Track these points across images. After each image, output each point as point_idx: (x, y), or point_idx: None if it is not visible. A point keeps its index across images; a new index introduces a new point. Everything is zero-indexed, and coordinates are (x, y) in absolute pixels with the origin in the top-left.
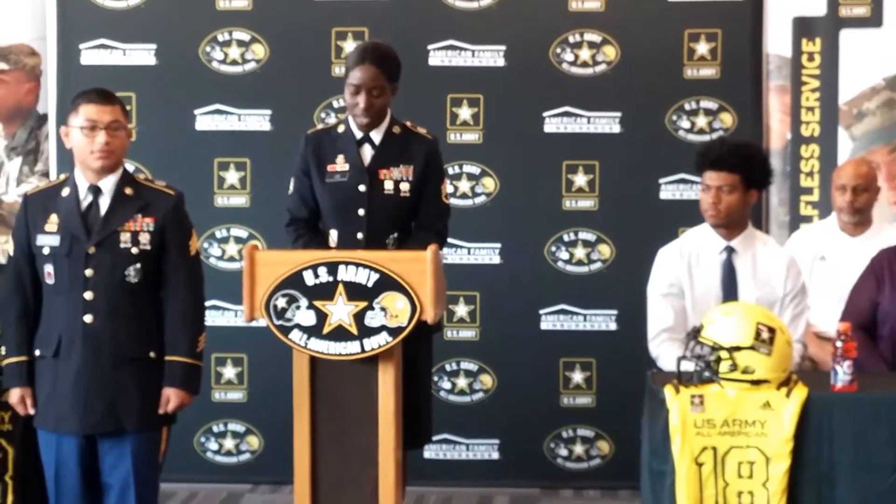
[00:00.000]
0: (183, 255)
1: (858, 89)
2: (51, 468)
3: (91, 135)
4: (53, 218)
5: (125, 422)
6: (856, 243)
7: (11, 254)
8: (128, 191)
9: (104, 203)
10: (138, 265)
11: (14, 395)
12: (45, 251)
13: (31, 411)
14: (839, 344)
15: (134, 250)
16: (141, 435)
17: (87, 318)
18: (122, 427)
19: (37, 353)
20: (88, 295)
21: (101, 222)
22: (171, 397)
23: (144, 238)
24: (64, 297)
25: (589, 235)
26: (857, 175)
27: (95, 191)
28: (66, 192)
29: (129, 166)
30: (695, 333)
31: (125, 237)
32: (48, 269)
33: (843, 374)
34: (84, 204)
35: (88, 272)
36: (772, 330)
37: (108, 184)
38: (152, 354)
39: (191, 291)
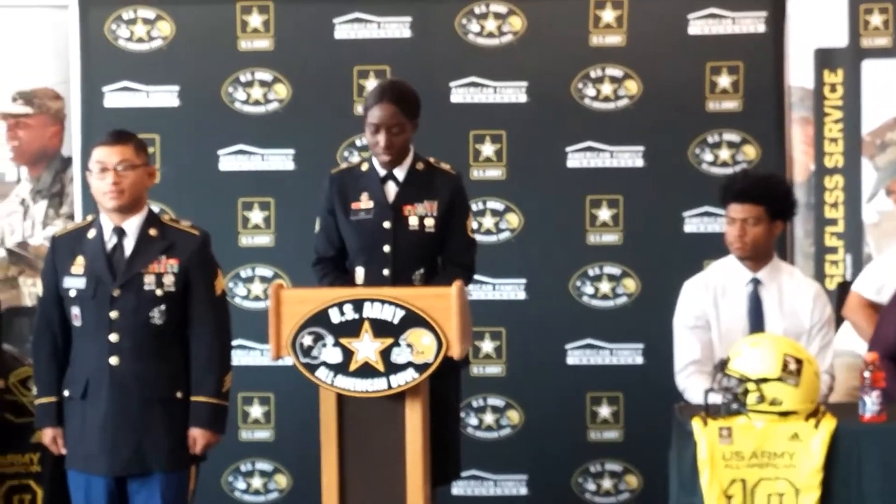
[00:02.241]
0: (209, 295)
1: (881, 119)
2: None
3: (102, 176)
4: (80, 260)
5: (152, 463)
6: None
7: (41, 295)
8: (152, 232)
9: (129, 245)
10: (163, 307)
11: (47, 436)
12: (72, 293)
13: (63, 451)
14: (867, 374)
15: (158, 292)
16: (170, 475)
17: (113, 361)
18: (150, 468)
19: (66, 393)
20: (114, 337)
21: (125, 264)
22: (197, 438)
23: (169, 280)
24: (90, 340)
25: (614, 270)
26: None
27: (120, 232)
28: (91, 233)
29: (154, 207)
30: (722, 366)
31: (149, 279)
32: (75, 311)
33: (871, 404)
34: (109, 246)
35: (113, 314)
36: (799, 361)
37: (132, 225)
38: (179, 395)
39: (217, 332)
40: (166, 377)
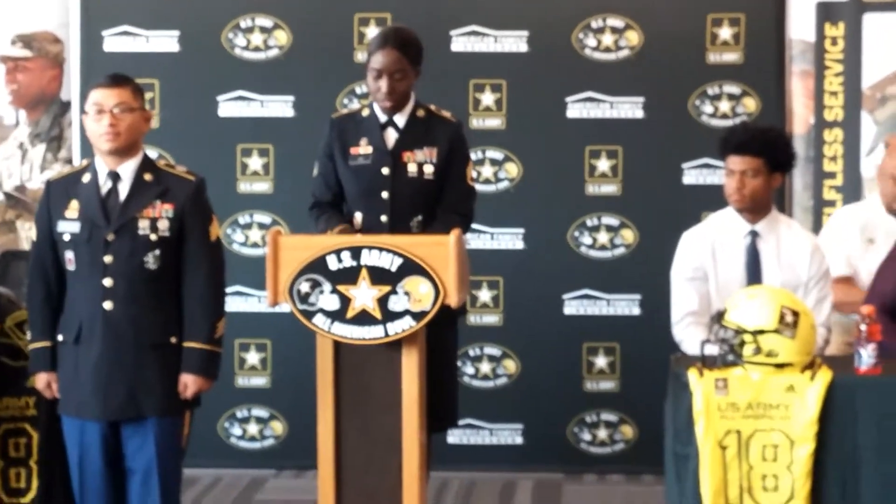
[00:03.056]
0: (203, 240)
1: (882, 74)
2: (74, 454)
3: (98, 118)
4: (74, 204)
5: (146, 407)
6: None
7: (34, 239)
8: (147, 177)
9: (123, 189)
10: (157, 252)
11: (41, 381)
12: (66, 238)
13: (58, 395)
14: (863, 327)
15: (153, 237)
16: (163, 420)
17: (107, 305)
18: (143, 413)
19: (59, 338)
20: (108, 282)
21: (119, 209)
22: (188, 383)
23: (163, 224)
24: (84, 284)
25: (612, 220)
26: None
27: (115, 177)
28: (86, 178)
29: (153, 153)
30: (719, 317)
31: (144, 224)
32: (69, 255)
33: (867, 357)
34: (104, 190)
35: (107, 259)
36: (796, 313)
37: (127, 170)
38: (173, 340)
39: (210, 277)
40: (160, 322)
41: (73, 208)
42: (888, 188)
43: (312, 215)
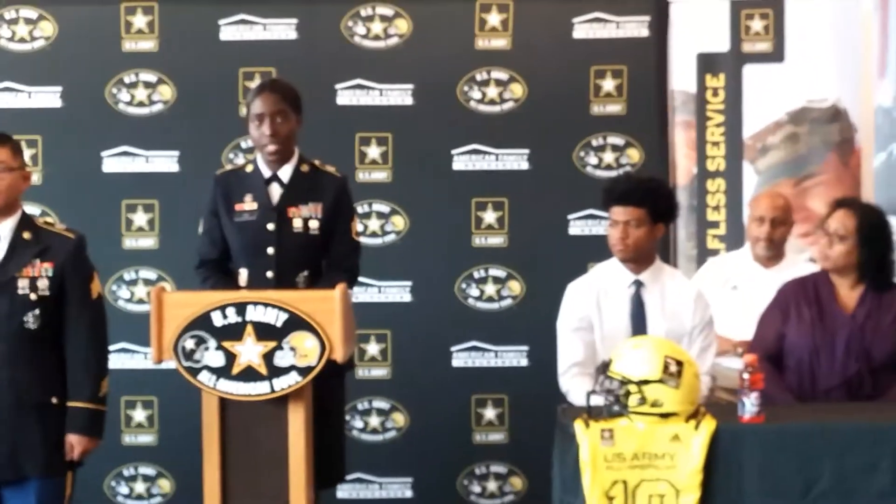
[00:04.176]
0: (84, 299)
1: (762, 124)
2: None
3: None
4: None
5: (27, 468)
6: (769, 275)
7: None
8: (26, 235)
9: (1, 248)
10: (37, 311)
11: None
12: None
13: None
14: (746, 375)
15: (32, 296)
16: (45, 481)
17: None
18: (25, 474)
19: None
20: None
21: None
22: (74, 443)
23: (43, 284)
24: None
25: (499, 272)
26: (774, 207)
27: None
28: None
29: (36, 209)
30: (604, 367)
31: (23, 283)
32: None
33: (750, 405)
34: None
35: None
36: (679, 363)
37: (5, 229)
38: (55, 400)
39: (93, 335)
40: (41, 382)
41: None
42: (753, 231)
43: (199, 275)
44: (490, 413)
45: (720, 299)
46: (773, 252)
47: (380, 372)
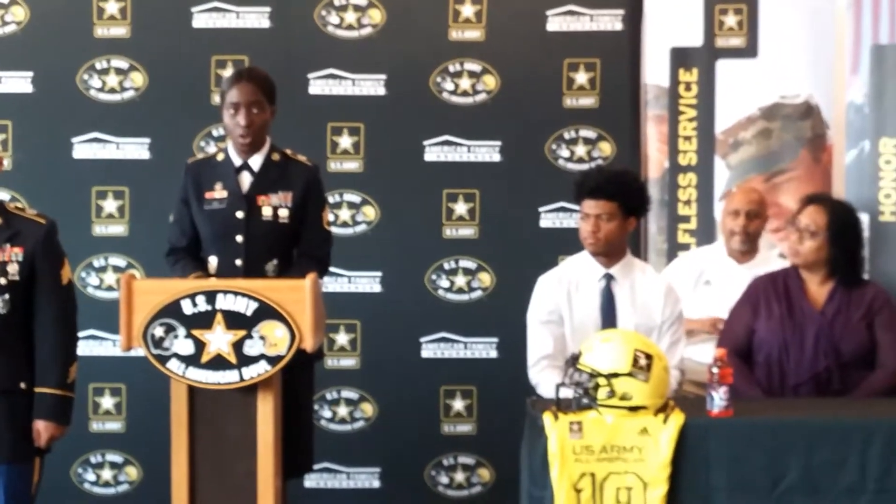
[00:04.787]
0: (54, 284)
1: (734, 119)
2: None
3: None
4: None
5: None
6: (742, 270)
7: None
8: None
9: None
10: (6, 296)
11: None
12: None
13: None
14: (715, 370)
15: (2, 281)
16: (12, 466)
17: None
18: None
19: None
20: None
21: None
22: (41, 430)
23: (13, 268)
24: None
25: (469, 263)
26: (749, 201)
27: None
28: None
29: (5, 195)
30: (573, 360)
31: None
32: None
33: (719, 399)
34: None
35: None
36: (649, 357)
37: None
38: (23, 386)
39: (62, 321)
40: (9, 368)
41: None
42: (727, 224)
43: (169, 262)
44: (459, 404)
45: (693, 294)
46: (748, 246)
47: (349, 362)
